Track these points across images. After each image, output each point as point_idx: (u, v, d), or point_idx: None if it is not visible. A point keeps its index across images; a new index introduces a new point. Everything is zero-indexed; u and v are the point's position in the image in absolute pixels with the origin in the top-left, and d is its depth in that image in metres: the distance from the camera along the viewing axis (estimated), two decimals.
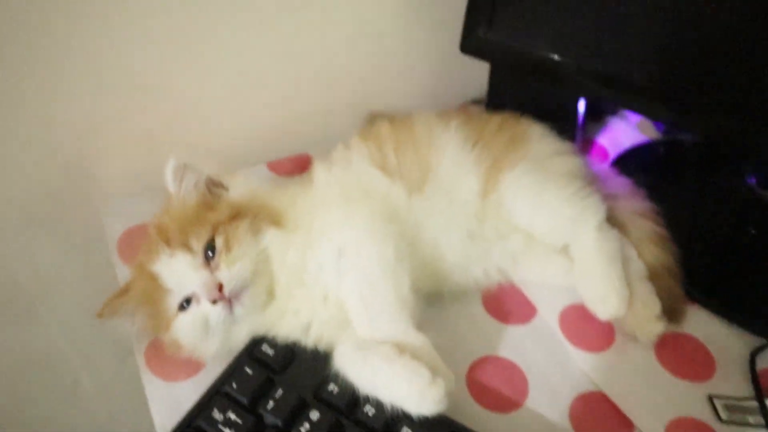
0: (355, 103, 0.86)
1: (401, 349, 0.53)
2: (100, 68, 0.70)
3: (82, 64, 0.69)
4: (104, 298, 0.84)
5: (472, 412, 0.57)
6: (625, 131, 0.89)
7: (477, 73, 0.88)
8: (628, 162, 0.82)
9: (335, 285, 0.58)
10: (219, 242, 0.57)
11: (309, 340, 0.59)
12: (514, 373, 0.61)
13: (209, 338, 0.57)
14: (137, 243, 0.66)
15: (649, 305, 0.62)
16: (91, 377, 0.99)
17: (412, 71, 0.90)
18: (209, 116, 0.80)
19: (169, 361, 0.60)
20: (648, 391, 0.59)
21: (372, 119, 0.74)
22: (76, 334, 0.92)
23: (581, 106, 0.82)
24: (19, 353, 0.88)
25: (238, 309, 0.56)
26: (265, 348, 0.58)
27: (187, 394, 0.57)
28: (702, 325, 0.65)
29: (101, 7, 0.66)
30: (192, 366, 0.60)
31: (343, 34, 0.82)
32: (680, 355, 0.62)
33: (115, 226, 0.72)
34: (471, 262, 0.66)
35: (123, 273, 0.67)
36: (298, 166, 0.81)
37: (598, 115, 0.90)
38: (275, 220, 0.60)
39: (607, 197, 0.69)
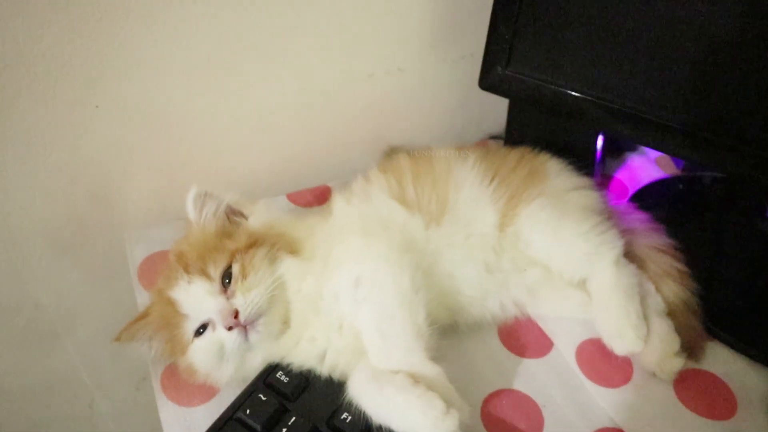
0: (375, 137, 0.88)
1: (416, 379, 0.53)
2: (127, 99, 0.72)
3: (111, 95, 0.71)
4: (124, 323, 0.86)
5: None
6: (643, 167, 0.89)
7: (495, 109, 0.90)
8: (647, 197, 0.82)
9: (351, 314, 0.58)
10: (235, 269, 0.58)
11: (324, 369, 0.59)
12: (529, 407, 0.60)
13: (224, 364, 0.58)
14: (158, 269, 0.67)
15: (668, 341, 0.61)
16: (107, 402, 1.00)
17: (431, 107, 0.91)
18: (231, 147, 0.82)
19: (184, 386, 0.61)
20: (668, 429, 0.58)
21: (390, 153, 0.75)
22: (94, 359, 0.93)
23: (599, 141, 0.82)
24: (38, 375, 0.90)
25: (254, 336, 0.57)
26: (280, 375, 0.58)
27: (200, 419, 0.58)
28: (722, 362, 0.64)
29: (130, 41, 0.68)
30: (206, 392, 0.60)
31: (364, 68, 0.84)
32: (700, 393, 0.61)
33: (137, 253, 0.74)
34: (487, 295, 0.66)
35: (143, 299, 0.68)
36: (317, 198, 0.82)
37: (616, 151, 0.91)
38: (293, 248, 0.61)
39: (625, 232, 0.69)
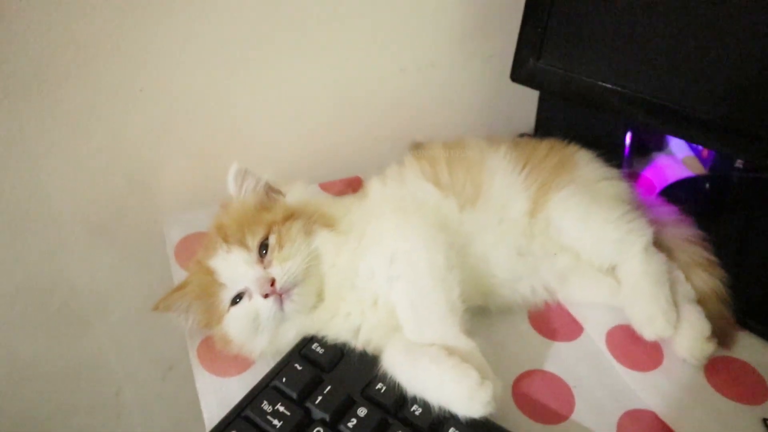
0: (405, 132, 0.89)
1: (450, 352, 0.54)
2: (170, 85, 0.75)
3: (154, 80, 0.74)
4: (156, 313, 0.88)
5: (517, 421, 0.57)
6: (671, 167, 0.90)
7: (524, 108, 0.92)
8: (675, 193, 0.83)
9: (386, 290, 0.60)
10: (272, 240, 0.60)
11: (358, 343, 0.60)
12: (560, 387, 0.61)
13: (258, 334, 0.59)
14: (193, 249, 0.69)
15: (698, 327, 0.62)
16: (133, 391, 1.01)
17: (460, 103, 0.93)
18: (265, 137, 0.84)
19: (219, 358, 0.62)
20: (699, 411, 0.58)
21: (415, 148, 0.77)
22: (123, 346, 0.95)
23: (628, 137, 0.83)
24: (68, 360, 0.91)
25: (288, 305, 0.58)
26: (315, 347, 0.59)
27: (235, 389, 0.59)
28: (753, 350, 0.64)
29: (175, 28, 0.71)
30: (241, 364, 0.62)
31: (396, 63, 0.86)
32: (731, 378, 0.61)
33: (173, 234, 0.76)
34: (519, 279, 0.67)
35: (179, 277, 0.70)
36: (349, 187, 0.84)
37: (644, 150, 0.92)
38: (328, 223, 0.63)
39: (654, 223, 0.70)
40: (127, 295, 0.89)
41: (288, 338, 0.60)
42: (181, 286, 0.62)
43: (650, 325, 0.62)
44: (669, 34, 0.64)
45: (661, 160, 0.92)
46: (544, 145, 0.74)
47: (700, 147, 0.90)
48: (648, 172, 0.90)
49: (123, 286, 0.88)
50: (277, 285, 0.58)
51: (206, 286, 0.60)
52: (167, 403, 1.06)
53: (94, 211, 0.79)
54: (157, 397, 1.04)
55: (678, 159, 0.92)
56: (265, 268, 0.59)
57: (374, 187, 0.70)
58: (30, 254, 0.79)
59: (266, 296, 0.57)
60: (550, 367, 0.63)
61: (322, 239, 0.61)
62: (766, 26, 0.58)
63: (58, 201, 0.77)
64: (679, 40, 0.64)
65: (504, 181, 0.69)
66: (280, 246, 0.59)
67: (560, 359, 0.64)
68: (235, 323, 0.59)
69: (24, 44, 0.65)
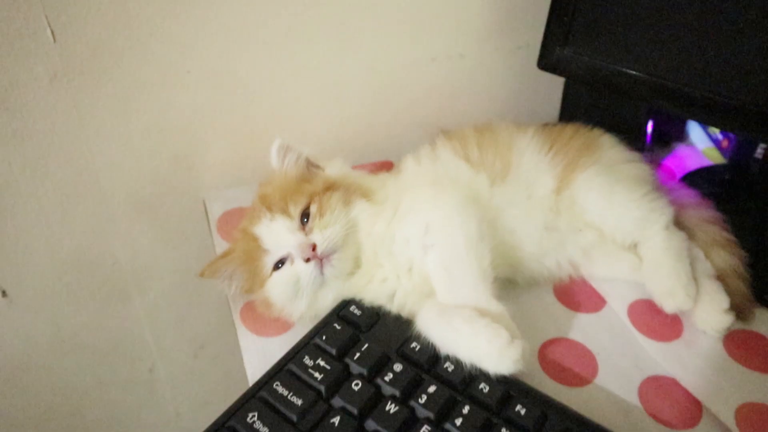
0: (434, 119, 0.93)
1: (482, 314, 0.57)
2: (215, 67, 0.79)
3: (201, 62, 0.78)
4: (191, 291, 0.93)
5: (543, 383, 0.60)
6: (691, 156, 0.93)
7: (548, 99, 0.95)
8: (695, 180, 0.86)
9: (420, 257, 0.63)
10: (313, 209, 0.64)
11: (393, 307, 0.63)
12: (584, 353, 0.64)
13: (298, 298, 0.63)
14: (234, 223, 0.73)
15: (717, 299, 0.64)
16: (166, 367, 1.05)
17: (488, 93, 0.97)
18: (302, 119, 0.88)
19: (261, 319, 0.66)
20: (718, 378, 0.61)
21: (433, 139, 0.81)
22: (159, 322, 0.99)
23: (649, 127, 0.86)
24: (108, 333, 0.96)
25: (328, 269, 0.62)
26: (353, 309, 0.63)
27: (276, 348, 0.62)
28: None
29: (222, 11, 0.76)
30: (282, 325, 0.65)
31: (428, 52, 0.90)
32: (749, 349, 0.64)
33: (215, 209, 0.80)
34: (545, 253, 0.70)
35: (221, 248, 0.74)
36: (381, 169, 0.86)
37: (665, 140, 0.95)
38: (365, 195, 0.67)
39: (675, 204, 0.73)
40: (166, 272, 0.93)
41: (326, 302, 0.64)
42: (226, 253, 0.66)
43: (671, 297, 0.65)
44: (693, 20, 0.67)
45: (681, 149, 0.95)
46: (569, 129, 0.77)
47: (719, 137, 0.93)
48: (669, 161, 0.92)
49: (162, 263, 0.92)
50: (318, 250, 0.61)
51: (251, 251, 0.64)
52: (198, 380, 1.10)
53: (139, 188, 0.84)
54: (189, 374, 1.08)
55: (698, 149, 0.95)
56: (306, 234, 0.63)
57: (408, 165, 0.74)
58: (79, 228, 0.84)
59: (307, 260, 0.61)
60: (574, 335, 0.66)
61: (360, 209, 0.65)
62: None
63: (107, 178, 0.81)
64: (703, 27, 0.66)
65: (531, 160, 0.73)
66: (321, 214, 0.63)
67: (584, 329, 0.67)
68: (277, 287, 0.63)
69: (83, 25, 0.69)
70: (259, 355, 0.62)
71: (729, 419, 0.56)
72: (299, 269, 0.62)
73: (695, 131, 0.97)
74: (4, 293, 0.84)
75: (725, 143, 0.92)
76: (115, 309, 0.93)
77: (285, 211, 0.64)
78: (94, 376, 0.99)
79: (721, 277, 0.67)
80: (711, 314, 0.64)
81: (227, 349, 1.08)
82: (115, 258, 0.88)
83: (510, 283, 0.69)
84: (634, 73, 0.73)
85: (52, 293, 0.87)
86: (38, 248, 0.83)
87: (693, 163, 0.91)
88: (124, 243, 0.88)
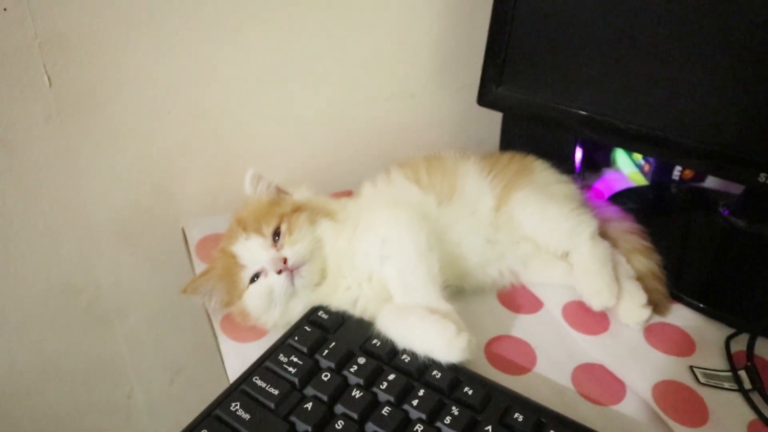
0: (390, 151, 1.02)
1: (432, 312, 0.66)
2: (194, 108, 0.88)
3: (181, 103, 0.87)
4: (171, 310, 0.99)
5: (488, 372, 0.67)
6: (617, 180, 1.05)
7: (491, 131, 1.06)
8: (622, 200, 0.97)
9: (378, 267, 0.72)
10: (283, 228, 0.72)
11: (356, 312, 0.71)
12: (524, 347, 0.72)
13: (272, 307, 0.70)
14: (211, 248, 0.81)
15: (636, 296, 0.74)
16: (144, 393, 1.10)
17: (437, 128, 1.07)
18: (272, 153, 0.97)
19: (239, 328, 0.73)
20: (638, 362, 0.70)
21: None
22: (138, 348, 1.04)
23: (578, 153, 0.98)
24: (88, 359, 1.01)
25: (298, 280, 0.70)
26: (321, 314, 0.70)
27: (254, 351, 0.68)
28: (684, 318, 0.76)
29: (202, 57, 0.85)
30: (258, 332, 0.73)
31: (383, 92, 1.00)
32: (665, 338, 0.73)
33: (194, 234, 0.88)
34: (488, 263, 0.79)
35: (201, 269, 0.81)
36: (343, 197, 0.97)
37: (594, 166, 1.07)
38: (329, 215, 0.76)
39: (601, 219, 0.83)
40: (146, 298, 1.00)
41: (297, 310, 0.71)
42: (206, 271, 0.74)
43: (597, 296, 0.74)
44: (610, 60, 0.78)
45: (609, 174, 1.07)
46: (506, 156, 0.88)
47: (642, 162, 1.06)
48: (598, 185, 1.04)
49: (142, 288, 0.99)
50: (289, 263, 0.70)
51: (229, 268, 0.72)
52: (174, 405, 1.15)
53: (123, 217, 0.91)
54: (166, 400, 1.13)
55: (623, 173, 1.07)
56: (278, 250, 0.71)
57: (366, 189, 0.83)
58: (66, 256, 0.90)
59: (279, 272, 0.69)
60: (516, 333, 0.74)
61: (324, 227, 0.74)
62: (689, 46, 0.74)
63: (93, 208, 0.88)
64: (619, 66, 0.77)
65: (474, 182, 0.83)
66: (290, 232, 0.72)
67: (524, 327, 0.75)
68: (253, 298, 0.71)
69: (77, 71, 0.78)
70: (239, 358, 0.69)
71: (647, 394, 0.65)
72: (272, 281, 0.70)
73: (621, 157, 1.10)
74: None
75: (647, 167, 1.05)
76: (96, 334, 0.99)
77: (259, 231, 0.72)
78: (73, 402, 1.04)
79: (640, 278, 0.77)
80: (632, 309, 0.74)
81: (203, 375, 1.13)
82: (98, 285, 0.95)
83: (459, 291, 0.77)
84: (562, 107, 0.84)
85: (37, 319, 0.93)
86: (26, 276, 0.89)
87: (619, 186, 1.03)
88: (107, 269, 0.94)
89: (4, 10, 0.72)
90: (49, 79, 0.77)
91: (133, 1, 0.78)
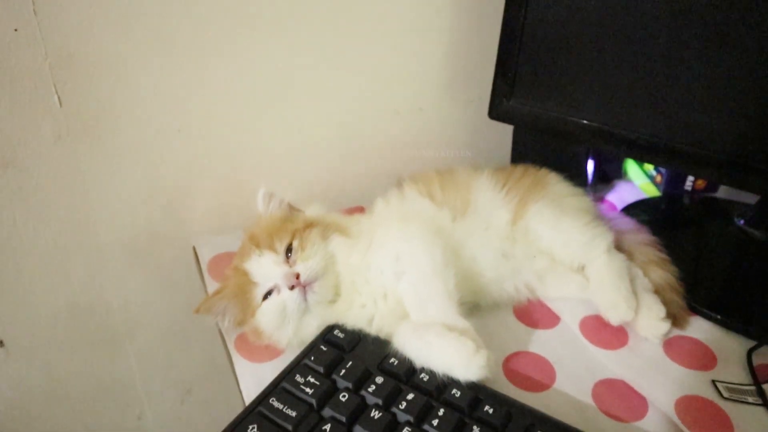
0: (399, 166, 1.02)
1: (450, 329, 0.65)
2: (203, 126, 0.88)
3: (191, 121, 0.87)
4: (180, 329, 0.98)
5: (507, 390, 0.66)
6: (629, 191, 1.05)
7: (501, 145, 1.06)
8: (635, 212, 0.96)
9: (393, 284, 0.71)
10: (296, 244, 0.71)
11: (372, 330, 0.70)
12: (543, 363, 0.71)
13: (285, 324, 0.70)
14: (222, 266, 0.81)
15: (655, 309, 0.73)
16: (154, 414, 1.09)
17: (446, 142, 1.07)
18: (282, 171, 0.97)
19: (254, 347, 0.72)
20: (659, 376, 0.68)
21: (399, 183, 0.90)
22: (148, 368, 1.03)
23: (590, 165, 0.97)
24: (99, 380, 1.00)
25: (311, 296, 0.69)
26: (337, 332, 0.69)
27: (269, 372, 0.68)
28: (703, 331, 0.75)
29: (212, 75, 0.85)
30: (273, 352, 0.72)
31: (391, 107, 1.00)
32: (685, 351, 0.72)
33: (205, 253, 0.87)
34: (504, 279, 0.79)
35: (213, 288, 0.81)
36: (354, 213, 0.96)
37: (606, 178, 1.06)
38: (341, 230, 0.75)
39: (615, 231, 0.83)
40: (156, 318, 0.99)
41: (311, 328, 0.71)
42: (219, 290, 0.73)
43: (615, 310, 0.73)
44: (620, 71, 0.78)
45: (620, 185, 1.06)
46: (520, 169, 0.88)
47: (654, 173, 1.05)
48: (610, 197, 1.04)
49: (152, 309, 0.98)
50: (301, 278, 0.69)
51: (242, 285, 0.71)
52: (185, 426, 1.13)
53: (133, 237, 0.91)
54: (177, 421, 1.12)
55: (635, 185, 1.06)
56: (290, 266, 0.70)
57: (379, 205, 0.83)
58: (75, 278, 0.90)
59: (292, 288, 0.68)
60: (533, 349, 0.73)
61: (337, 242, 0.73)
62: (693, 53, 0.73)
63: (103, 229, 0.88)
64: (630, 78, 0.77)
65: (488, 196, 0.82)
66: (302, 248, 0.71)
67: (542, 343, 0.74)
68: (265, 315, 0.70)
69: (87, 91, 0.78)
70: (254, 379, 0.68)
71: (670, 410, 0.64)
72: (285, 297, 0.69)
73: (632, 169, 1.09)
74: (1, 343, 0.89)
75: (659, 178, 1.04)
76: (105, 356, 0.98)
77: (272, 247, 0.71)
78: (83, 424, 1.03)
79: (657, 291, 0.76)
80: (650, 322, 0.73)
81: (214, 395, 1.12)
82: (108, 305, 0.94)
83: (474, 307, 0.76)
84: (573, 119, 0.84)
85: (47, 342, 0.92)
86: (36, 298, 0.88)
87: (631, 197, 1.02)
88: (117, 290, 0.94)
89: (15, 30, 0.72)
90: (59, 98, 0.77)
91: (143, 20, 0.78)
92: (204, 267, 0.85)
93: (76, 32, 0.75)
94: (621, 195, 1.04)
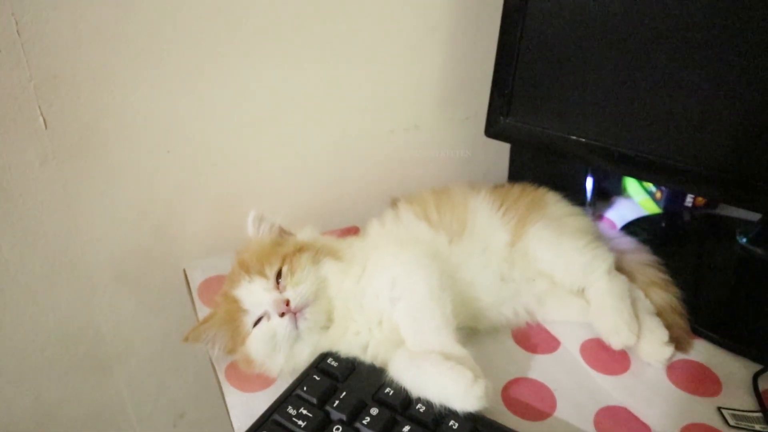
0: (394, 185, 1.00)
1: (447, 357, 0.63)
2: (194, 147, 0.86)
3: (181, 142, 0.85)
4: (172, 354, 0.96)
5: (507, 419, 0.65)
6: (629, 208, 1.03)
7: (498, 162, 1.04)
8: (634, 229, 0.94)
9: (389, 310, 0.69)
10: (285, 269, 0.69)
11: (367, 357, 0.68)
12: (543, 390, 0.69)
13: (276, 352, 0.68)
14: (214, 290, 0.79)
15: (657, 333, 0.71)
16: None
17: (442, 160, 1.05)
18: (274, 191, 0.95)
19: (245, 377, 0.70)
20: (662, 403, 0.67)
21: (393, 202, 0.88)
22: (139, 392, 1.01)
23: (589, 183, 0.96)
24: (89, 405, 0.97)
25: (302, 322, 0.67)
26: (330, 361, 0.67)
27: (261, 402, 0.66)
28: (707, 354, 0.74)
29: (201, 97, 0.83)
30: (264, 381, 0.70)
31: (386, 125, 0.98)
32: (689, 376, 0.70)
33: (196, 276, 0.85)
34: (502, 302, 0.77)
35: (202, 312, 0.79)
36: (348, 234, 0.94)
37: (604, 195, 1.04)
38: (333, 254, 0.73)
39: (615, 251, 0.81)
40: (147, 341, 0.97)
41: (303, 356, 0.68)
42: (208, 318, 0.71)
43: (616, 335, 0.71)
44: (618, 89, 0.76)
45: (619, 202, 1.04)
46: (517, 188, 0.86)
47: (653, 190, 1.03)
48: (609, 214, 1.02)
49: (143, 332, 0.96)
50: (292, 305, 0.67)
51: (232, 312, 0.69)
52: None
53: (122, 260, 0.89)
54: None
55: (635, 202, 1.04)
56: (281, 292, 0.68)
57: (374, 227, 0.81)
58: (63, 302, 0.87)
59: (282, 315, 0.66)
60: (533, 375, 0.71)
61: (328, 267, 0.71)
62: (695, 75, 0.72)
63: (91, 251, 0.86)
64: (628, 95, 0.76)
65: (485, 217, 0.80)
66: (292, 272, 0.69)
67: (542, 368, 0.72)
68: (256, 342, 0.68)
69: (73, 112, 0.76)
70: (245, 409, 0.66)
71: None
72: (275, 324, 0.67)
73: (631, 185, 1.07)
74: None
75: (659, 194, 1.02)
76: (95, 380, 0.96)
77: (261, 273, 0.69)
78: None
79: (659, 313, 0.74)
80: (653, 347, 0.71)
81: (206, 417, 1.10)
82: (97, 329, 0.92)
83: (472, 331, 0.75)
84: (571, 137, 0.82)
85: (34, 367, 0.90)
86: (23, 323, 0.86)
87: (631, 214, 1.01)
88: (106, 314, 0.91)
89: None
90: (44, 121, 0.75)
91: (131, 39, 0.76)
92: (194, 290, 0.83)
93: (61, 53, 0.73)
94: (620, 212, 1.02)
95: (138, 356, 0.98)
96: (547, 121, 0.83)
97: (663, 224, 0.99)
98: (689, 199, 1.00)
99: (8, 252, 0.80)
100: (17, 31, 0.70)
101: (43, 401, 0.93)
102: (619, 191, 1.07)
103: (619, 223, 0.99)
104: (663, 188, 1.01)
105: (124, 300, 0.92)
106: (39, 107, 0.74)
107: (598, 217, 1.01)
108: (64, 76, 0.74)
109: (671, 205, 1.01)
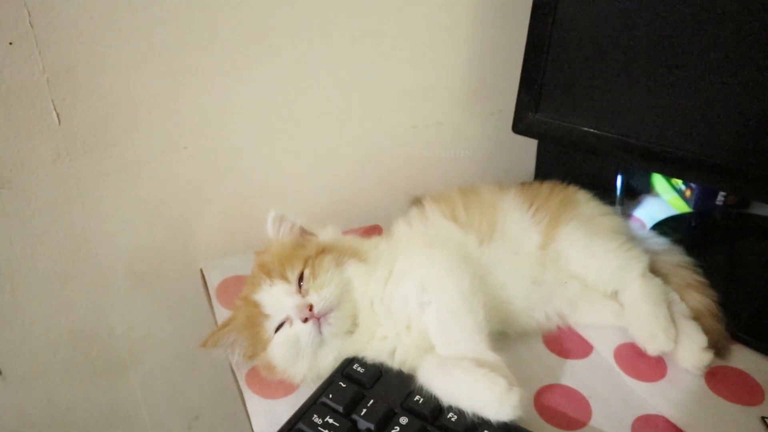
0: (416, 183, 0.97)
1: (480, 364, 0.60)
2: (211, 143, 0.84)
3: (198, 138, 0.82)
4: (187, 355, 0.94)
5: (541, 429, 0.62)
6: (658, 207, 1.00)
7: (523, 159, 1.01)
8: (664, 229, 0.91)
9: (418, 315, 0.66)
10: (307, 272, 0.67)
11: (394, 363, 0.66)
12: (577, 398, 0.67)
13: (299, 358, 0.65)
14: (232, 291, 0.76)
15: (696, 339, 0.68)
16: None
17: (466, 157, 1.02)
18: (294, 189, 0.92)
19: (267, 382, 0.67)
20: (703, 412, 0.64)
21: (415, 201, 0.85)
22: (154, 395, 0.99)
23: (619, 181, 0.92)
24: (102, 408, 0.95)
25: (326, 328, 0.64)
26: (356, 367, 0.65)
27: (283, 409, 0.64)
28: (747, 361, 0.71)
29: (220, 92, 0.81)
30: (287, 387, 0.67)
31: (409, 121, 0.95)
32: (730, 384, 0.67)
33: (213, 277, 0.83)
34: (534, 306, 0.74)
35: (221, 314, 0.76)
36: (369, 234, 0.91)
37: (633, 193, 1.01)
38: (357, 256, 0.70)
39: (648, 252, 0.78)
40: (162, 343, 0.94)
41: (327, 362, 0.66)
42: (227, 323, 0.68)
43: (653, 341, 0.69)
44: (651, 83, 0.73)
45: (648, 201, 1.01)
46: (546, 187, 0.83)
47: (683, 188, 1.00)
48: (638, 212, 0.99)
49: (158, 334, 0.93)
50: (315, 309, 0.64)
51: (252, 318, 0.67)
52: None
53: (136, 260, 0.86)
54: None
55: (664, 200, 1.01)
56: (303, 296, 0.65)
57: (400, 228, 0.78)
58: (76, 303, 0.85)
59: (305, 320, 0.64)
60: (566, 381, 0.69)
61: (353, 269, 0.68)
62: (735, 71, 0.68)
63: (105, 251, 0.83)
64: (660, 89, 0.73)
65: (515, 218, 0.77)
66: (314, 276, 0.66)
67: (575, 375, 0.70)
68: (278, 349, 0.65)
69: (87, 107, 0.73)
70: (267, 417, 0.64)
71: None
72: (298, 330, 0.64)
73: (660, 183, 1.04)
74: None
75: (688, 193, 0.99)
76: (109, 383, 0.94)
77: (283, 276, 0.67)
78: None
79: (696, 317, 0.71)
80: (691, 353, 0.68)
81: (221, 420, 1.07)
82: (111, 331, 0.89)
83: (502, 336, 0.71)
84: (601, 133, 0.79)
85: (47, 369, 0.88)
86: (35, 324, 0.84)
87: (660, 213, 0.97)
88: (120, 315, 0.89)
89: (10, 44, 0.68)
90: (57, 116, 0.73)
91: (146, 33, 0.73)
92: (212, 291, 0.80)
93: (75, 45, 0.70)
94: (649, 211, 0.99)
95: (152, 358, 0.95)
96: (579, 117, 0.80)
97: (693, 224, 0.96)
98: (720, 198, 0.97)
99: (19, 251, 0.78)
100: (30, 23, 0.67)
101: (56, 403, 0.91)
102: (648, 189, 1.03)
103: (649, 223, 0.95)
104: (693, 186, 0.98)
105: (138, 300, 0.89)
106: (52, 102, 0.72)
107: (628, 216, 0.98)
108: (77, 69, 0.72)
109: (701, 203, 0.97)
